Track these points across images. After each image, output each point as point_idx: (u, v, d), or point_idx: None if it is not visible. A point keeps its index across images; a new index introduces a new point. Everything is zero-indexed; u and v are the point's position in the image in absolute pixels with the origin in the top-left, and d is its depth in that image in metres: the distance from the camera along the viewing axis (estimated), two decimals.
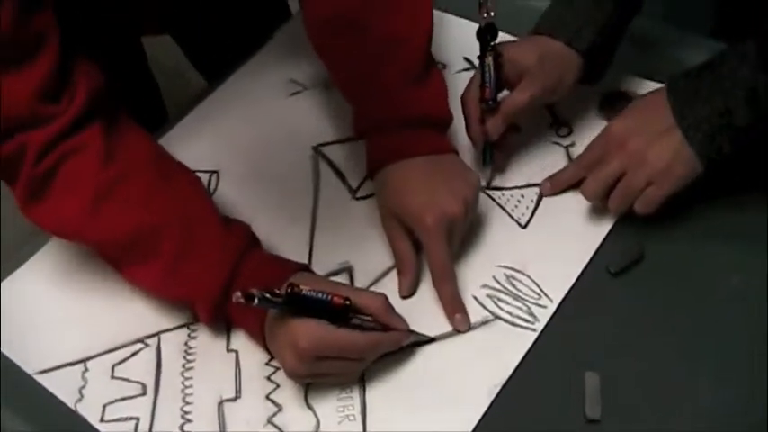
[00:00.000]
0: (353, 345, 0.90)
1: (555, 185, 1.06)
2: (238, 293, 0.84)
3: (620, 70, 1.13)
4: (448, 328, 0.97)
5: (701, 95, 0.93)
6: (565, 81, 1.05)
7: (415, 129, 1.03)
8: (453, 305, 0.98)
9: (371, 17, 1.05)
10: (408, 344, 0.96)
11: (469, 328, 0.97)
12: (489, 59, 1.04)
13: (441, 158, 1.03)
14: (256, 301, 0.84)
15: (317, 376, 0.93)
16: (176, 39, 1.52)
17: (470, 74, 1.18)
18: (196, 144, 1.21)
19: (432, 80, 1.07)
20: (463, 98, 1.07)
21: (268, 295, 0.85)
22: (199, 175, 1.15)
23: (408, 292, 1.01)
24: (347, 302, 0.88)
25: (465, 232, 1.01)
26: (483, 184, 1.08)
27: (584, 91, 1.10)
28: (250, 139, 1.21)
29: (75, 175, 0.97)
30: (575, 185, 1.04)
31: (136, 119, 1.33)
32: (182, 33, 1.51)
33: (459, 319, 0.97)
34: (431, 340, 0.97)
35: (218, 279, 0.95)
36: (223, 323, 1.01)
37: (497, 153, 1.09)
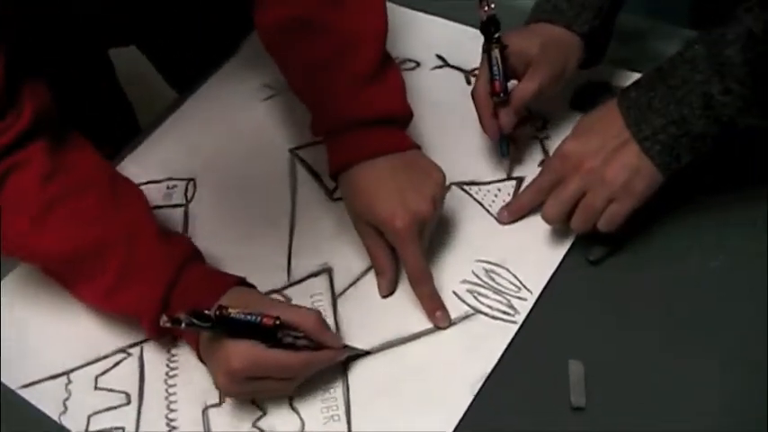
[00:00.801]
0: (285, 365, 0.90)
1: (512, 212, 1.04)
2: (164, 318, 0.86)
3: None
4: (430, 324, 0.97)
5: (655, 106, 0.92)
6: (569, 65, 1.04)
7: (373, 128, 1.02)
8: (432, 303, 0.98)
9: (323, 19, 1.04)
10: (343, 359, 0.96)
11: (450, 323, 0.97)
12: (496, 52, 1.03)
13: (403, 156, 1.01)
14: (183, 325, 0.85)
15: (248, 394, 0.95)
16: (143, 50, 1.52)
17: (444, 71, 1.20)
18: (171, 152, 1.22)
19: (388, 78, 1.06)
20: (474, 94, 1.07)
21: (195, 320, 0.85)
22: (175, 183, 1.17)
23: (387, 291, 1.01)
24: (277, 322, 0.87)
25: (434, 227, 1.01)
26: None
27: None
28: (226, 145, 1.21)
29: (19, 192, 0.97)
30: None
31: (106, 130, 1.34)
32: (148, 45, 1.50)
33: (439, 316, 0.97)
34: (366, 353, 0.97)
35: (156, 295, 0.95)
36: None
37: (512, 144, 1.09)
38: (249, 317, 0.87)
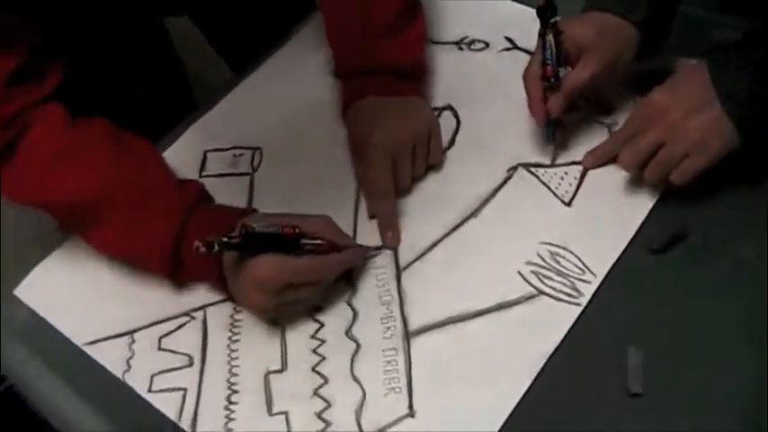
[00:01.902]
0: (312, 267, 0.95)
1: (596, 158, 1.07)
2: (198, 243, 0.89)
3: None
4: (493, 302, 0.97)
5: (738, 66, 0.93)
6: (624, 55, 1.04)
7: (380, 75, 1.12)
8: (387, 223, 1.05)
9: None
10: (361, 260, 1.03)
11: (397, 245, 1.04)
12: (550, 37, 1.04)
13: (403, 99, 1.12)
14: (216, 247, 0.89)
15: (283, 307, 0.98)
16: (195, 20, 1.54)
17: (512, 53, 1.19)
18: (238, 122, 1.23)
19: (405, 32, 1.15)
20: (525, 76, 1.07)
21: (225, 239, 0.90)
22: (242, 151, 1.18)
23: (371, 212, 1.08)
24: (297, 230, 0.93)
25: (421, 169, 1.09)
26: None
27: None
28: (291, 117, 1.21)
29: (36, 142, 1.02)
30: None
31: (161, 98, 1.36)
32: (201, 15, 1.53)
33: (389, 236, 1.04)
34: (379, 248, 1.04)
35: (169, 233, 1.00)
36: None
37: (560, 130, 1.09)
38: (272, 229, 0.93)
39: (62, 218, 1.08)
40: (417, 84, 1.16)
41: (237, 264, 0.95)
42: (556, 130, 1.08)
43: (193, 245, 0.89)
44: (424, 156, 1.09)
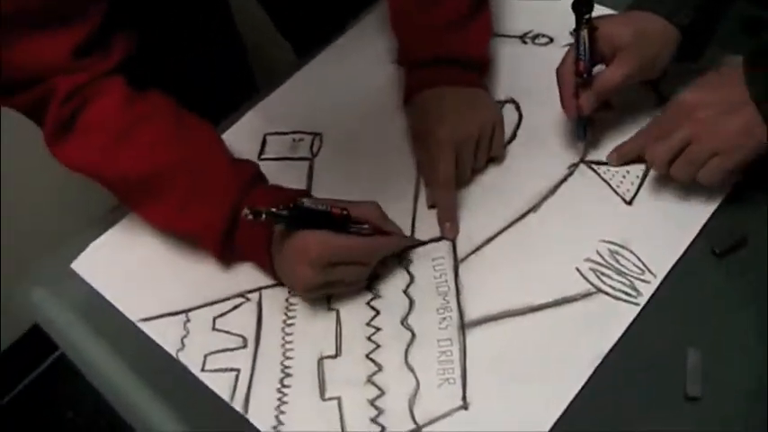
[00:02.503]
0: (359, 247, 0.97)
1: (621, 155, 1.06)
2: (246, 210, 0.91)
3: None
4: (551, 297, 0.97)
5: None
6: (661, 58, 1.03)
7: (445, 66, 1.12)
8: (447, 213, 1.06)
9: None
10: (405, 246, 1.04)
11: (456, 236, 1.05)
12: (584, 33, 1.03)
13: (467, 90, 1.11)
14: (263, 216, 0.91)
15: (330, 285, 0.99)
16: (261, 1, 1.55)
17: None
18: (298, 107, 1.23)
19: (475, 25, 1.15)
20: (558, 71, 1.07)
21: (274, 209, 0.92)
22: (302, 136, 1.19)
23: (431, 201, 1.09)
24: (345, 212, 0.95)
25: (482, 161, 1.09)
26: (576, 159, 1.09)
27: (688, 68, 1.09)
28: (353, 104, 1.22)
29: (98, 116, 1.03)
30: None
31: (223, 79, 1.36)
32: None
33: (448, 226, 1.05)
34: (422, 243, 1.05)
35: (223, 212, 1.01)
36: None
37: (591, 128, 1.08)
38: (321, 206, 0.95)
39: (120, 192, 1.09)
40: (482, 76, 1.16)
41: (285, 238, 0.97)
42: (587, 128, 1.07)
43: (242, 212, 0.91)
44: (487, 148, 1.09)
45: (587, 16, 1.03)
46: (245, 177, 1.04)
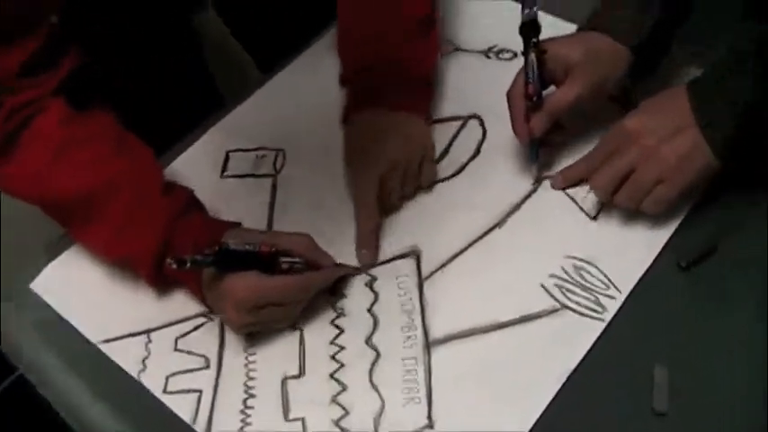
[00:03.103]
0: (288, 288, 0.96)
1: (566, 179, 1.05)
2: (170, 260, 0.91)
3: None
4: (516, 314, 0.96)
5: (724, 93, 0.92)
6: (612, 77, 1.02)
7: (388, 87, 1.11)
8: (365, 241, 1.05)
9: None
10: (337, 277, 1.02)
11: (371, 265, 1.03)
12: (532, 56, 1.03)
13: (401, 118, 1.11)
14: (188, 264, 0.91)
15: (258, 324, 0.98)
16: (222, 17, 1.54)
17: None
18: (261, 123, 1.22)
19: (419, 44, 1.14)
20: (509, 94, 1.06)
21: (198, 257, 0.91)
22: (264, 153, 1.18)
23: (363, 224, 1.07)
24: (274, 249, 0.94)
25: (411, 187, 1.09)
26: (531, 181, 1.08)
27: (654, 83, 1.09)
28: (315, 119, 1.20)
29: (39, 132, 1.02)
30: None
31: (188, 97, 1.35)
32: (228, 11, 1.53)
33: (363, 254, 1.03)
34: (357, 270, 1.03)
35: (154, 241, 0.99)
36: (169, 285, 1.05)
37: (543, 150, 1.08)
38: (248, 247, 0.93)
39: (56, 215, 1.07)
40: (421, 100, 1.15)
41: (216, 278, 0.96)
42: (539, 150, 1.07)
43: (166, 261, 0.91)
44: (415, 177, 1.09)
45: (534, 40, 1.03)
46: (176, 207, 1.02)
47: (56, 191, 1.02)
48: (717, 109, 0.92)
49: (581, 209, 1.04)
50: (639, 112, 0.98)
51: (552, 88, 1.05)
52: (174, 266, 0.90)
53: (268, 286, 0.94)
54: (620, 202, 0.98)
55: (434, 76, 1.19)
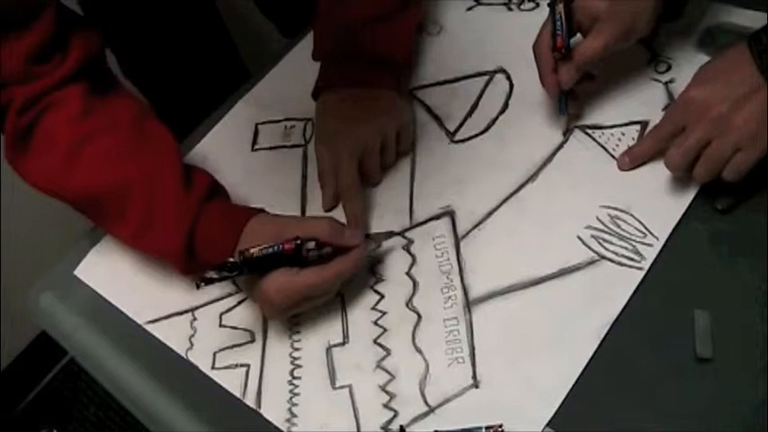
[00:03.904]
0: (318, 283, 0.95)
1: (633, 159, 1.02)
2: (198, 282, 0.91)
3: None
4: (554, 269, 0.96)
5: None
6: (640, 22, 1.00)
7: (361, 65, 1.10)
8: (352, 222, 1.04)
9: None
10: (372, 251, 1.01)
11: (360, 243, 0.98)
12: (560, 7, 1.01)
13: (376, 93, 1.10)
14: (215, 281, 0.91)
15: (298, 313, 0.99)
16: None
17: None
18: (288, 93, 1.22)
19: (395, 24, 1.13)
20: (535, 47, 1.05)
21: (225, 272, 0.91)
22: (293, 123, 1.18)
23: (327, 206, 1.09)
24: (297, 242, 0.92)
25: (390, 161, 1.10)
26: (560, 132, 1.07)
27: (682, 24, 1.08)
28: None
29: (52, 130, 1.01)
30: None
31: (214, 73, 1.35)
32: None
33: (349, 234, 0.98)
34: (391, 234, 1.03)
35: (179, 239, 0.98)
36: None
37: (572, 101, 1.06)
38: (271, 249, 0.92)
39: (81, 210, 1.07)
40: (398, 75, 1.14)
41: (247, 283, 0.97)
42: (568, 102, 1.05)
43: (195, 282, 0.92)
44: (393, 151, 1.10)
45: None
46: (197, 197, 1.00)
47: (72, 190, 1.02)
48: None
49: (613, 157, 1.03)
50: (703, 81, 0.95)
51: (578, 37, 1.03)
52: (204, 286, 0.91)
53: (299, 284, 0.94)
54: (699, 176, 0.95)
55: (410, 55, 1.18)
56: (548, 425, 0.87)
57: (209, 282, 0.91)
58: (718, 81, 0.93)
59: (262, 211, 1.01)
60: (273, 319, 1.00)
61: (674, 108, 0.98)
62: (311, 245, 0.93)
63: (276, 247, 0.92)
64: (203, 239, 0.98)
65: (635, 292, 0.93)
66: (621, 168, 1.03)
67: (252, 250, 0.92)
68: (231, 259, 0.91)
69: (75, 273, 1.12)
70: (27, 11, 0.98)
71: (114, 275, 1.10)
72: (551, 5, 1.02)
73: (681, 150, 0.95)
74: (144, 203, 1.00)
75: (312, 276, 0.94)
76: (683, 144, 0.94)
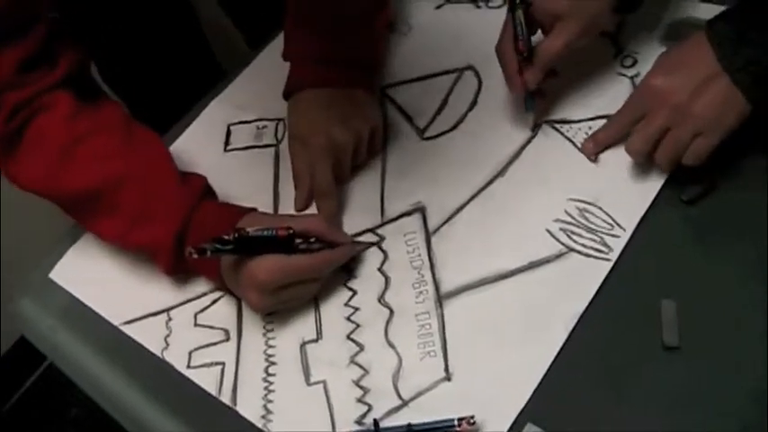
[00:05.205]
0: (307, 266, 0.97)
1: (597, 144, 1.04)
2: (191, 249, 0.93)
3: None
4: (524, 262, 0.97)
5: (748, 38, 0.90)
6: (599, 16, 1.01)
7: (333, 66, 1.10)
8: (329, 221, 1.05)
9: None
10: (356, 253, 1.03)
11: (350, 240, 1.04)
12: (519, 12, 1.02)
13: (348, 94, 1.10)
14: (209, 253, 0.93)
15: (279, 304, 1.00)
16: None
17: None
18: (260, 94, 1.23)
19: (368, 24, 1.15)
20: (498, 50, 1.06)
21: (218, 245, 0.93)
22: (265, 123, 1.19)
23: (301, 206, 1.09)
24: (290, 232, 0.94)
25: (362, 160, 1.11)
26: (528, 128, 1.08)
27: (647, 19, 1.09)
28: None
29: (43, 131, 1.03)
30: None
31: (190, 75, 1.36)
32: None
33: (341, 232, 1.04)
34: (372, 245, 1.04)
35: (171, 232, 1.00)
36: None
37: (539, 98, 1.08)
38: (265, 232, 0.94)
39: (69, 209, 1.08)
40: (370, 75, 1.16)
41: (235, 265, 0.97)
42: (535, 98, 1.07)
43: (186, 251, 0.93)
44: (366, 150, 1.11)
45: None
46: (192, 195, 1.02)
47: (65, 188, 1.03)
48: (744, 53, 0.90)
49: (581, 151, 1.04)
50: (663, 69, 0.96)
51: (540, 34, 1.04)
52: (195, 256, 0.92)
53: (289, 265, 0.95)
54: (660, 161, 0.97)
55: (382, 56, 1.20)
56: (520, 415, 0.88)
57: (202, 252, 0.92)
58: (677, 69, 0.95)
59: (254, 209, 1.03)
60: (256, 306, 0.99)
61: (635, 95, 1.00)
62: (302, 239, 0.96)
63: (271, 232, 0.94)
64: (195, 234, 0.99)
65: (603, 283, 0.94)
66: (586, 154, 1.04)
67: (248, 229, 0.94)
68: (226, 237, 0.93)
69: (51, 276, 1.12)
70: (21, 22, 1.00)
71: (89, 278, 1.11)
72: (511, 12, 1.03)
73: (642, 137, 0.97)
74: (139, 194, 1.02)
75: (303, 259, 0.96)
76: (644, 131, 0.96)
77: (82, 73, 1.07)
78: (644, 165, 1.00)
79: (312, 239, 0.97)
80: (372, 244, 1.04)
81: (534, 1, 1.02)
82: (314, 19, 1.13)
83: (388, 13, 1.19)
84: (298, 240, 0.96)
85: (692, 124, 0.93)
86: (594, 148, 1.04)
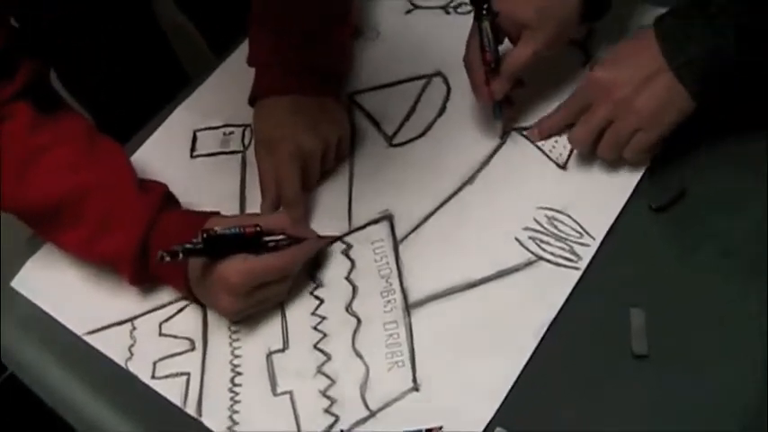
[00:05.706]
0: (279, 264, 0.96)
1: (542, 132, 1.05)
2: (162, 253, 0.91)
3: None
4: (492, 270, 0.97)
5: (692, 35, 0.90)
6: (566, 24, 1.01)
7: (299, 74, 1.09)
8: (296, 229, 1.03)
9: None
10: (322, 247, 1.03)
11: (347, 233, 1.04)
12: (486, 24, 1.02)
13: (315, 102, 1.09)
14: (180, 255, 0.91)
15: (251, 308, 0.98)
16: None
17: None
18: (226, 100, 1.21)
19: (333, 36, 1.14)
20: (465, 60, 1.06)
21: (189, 246, 0.92)
22: (231, 129, 1.18)
23: (268, 212, 1.07)
24: (258, 229, 0.95)
25: (329, 166, 1.10)
26: (497, 136, 1.08)
27: (616, 26, 1.09)
28: None
29: (2, 142, 1.01)
30: None
31: (154, 81, 1.34)
32: None
33: (307, 227, 1.05)
34: (337, 239, 1.04)
35: (133, 241, 0.99)
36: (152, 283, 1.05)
37: (507, 106, 1.07)
38: (233, 230, 0.94)
39: (30, 220, 1.07)
40: (336, 83, 1.15)
41: (204, 270, 0.96)
42: (503, 107, 1.06)
43: (157, 255, 0.91)
44: (333, 158, 1.10)
45: (486, 5, 1.01)
46: (153, 205, 1.01)
47: (26, 200, 1.02)
48: (687, 50, 0.91)
49: (550, 158, 1.04)
50: (609, 62, 0.97)
51: (507, 44, 1.04)
52: (168, 259, 0.90)
53: (259, 266, 0.94)
54: (602, 154, 0.98)
55: (349, 63, 1.20)
56: (488, 425, 0.87)
57: (174, 255, 0.90)
58: (623, 63, 0.96)
59: (216, 213, 1.02)
60: (228, 311, 0.98)
61: (581, 86, 1.01)
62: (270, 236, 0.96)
63: (238, 229, 0.94)
64: (159, 242, 0.97)
65: (572, 292, 0.94)
66: (532, 140, 1.06)
67: (216, 228, 0.93)
68: (194, 240, 0.92)
69: (12, 284, 1.11)
70: None
71: (52, 286, 1.09)
72: (477, 22, 1.02)
73: (584, 128, 0.98)
74: (101, 206, 1.00)
75: (272, 258, 0.95)
76: (587, 122, 0.98)
77: (41, 82, 1.06)
78: (613, 173, 1.00)
79: (280, 237, 0.97)
80: (338, 238, 1.04)
81: (501, 10, 1.01)
82: (279, 25, 1.12)
83: (351, 19, 1.18)
84: (266, 238, 0.95)
85: (632, 119, 0.94)
86: (539, 135, 1.05)
